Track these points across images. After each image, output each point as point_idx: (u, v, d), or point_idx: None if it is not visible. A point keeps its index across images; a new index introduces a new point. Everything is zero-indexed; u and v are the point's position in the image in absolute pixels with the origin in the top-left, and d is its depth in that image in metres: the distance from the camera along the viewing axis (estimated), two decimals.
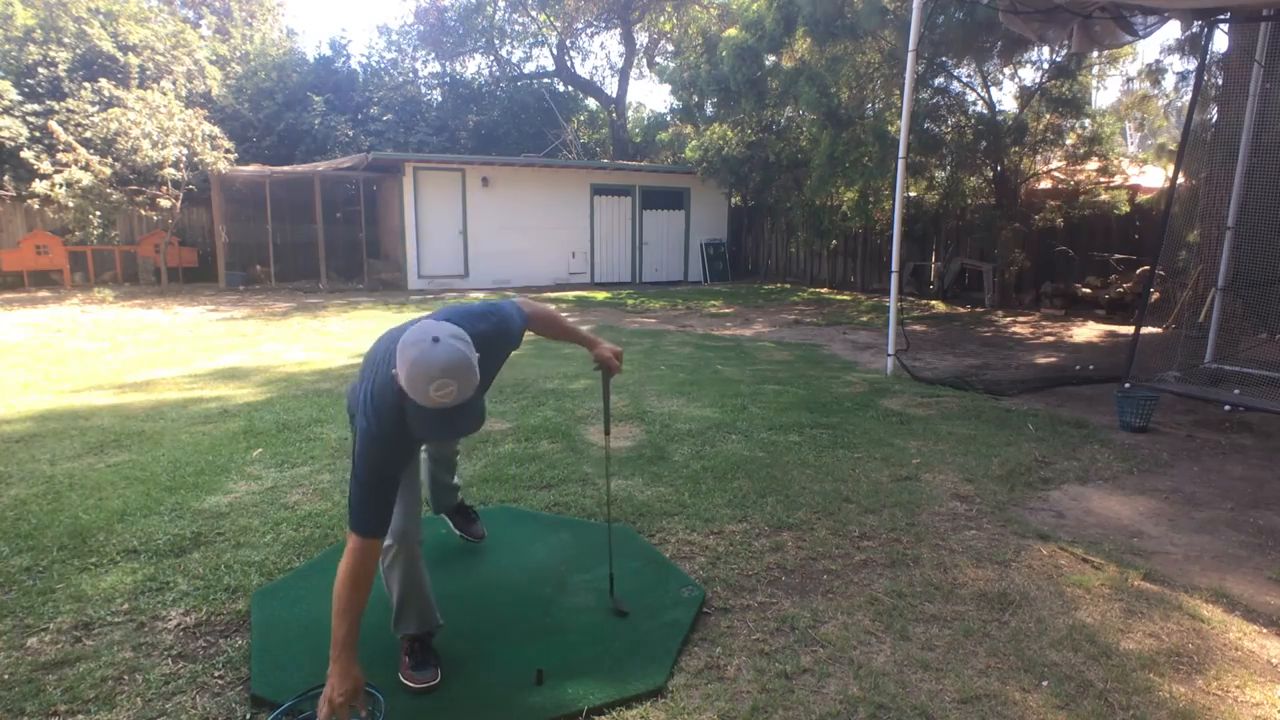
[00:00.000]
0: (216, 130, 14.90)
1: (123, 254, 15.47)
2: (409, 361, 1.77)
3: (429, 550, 3.08)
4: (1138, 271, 11.10)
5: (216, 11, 23.62)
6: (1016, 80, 13.24)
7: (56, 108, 15.30)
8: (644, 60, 24.19)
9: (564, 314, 11.63)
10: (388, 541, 2.15)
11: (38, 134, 15.11)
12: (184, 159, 14.01)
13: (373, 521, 1.90)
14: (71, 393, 5.83)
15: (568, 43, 24.00)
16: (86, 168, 13.52)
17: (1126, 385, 5.68)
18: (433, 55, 23.79)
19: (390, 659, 2.35)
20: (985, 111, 12.66)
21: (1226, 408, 5.43)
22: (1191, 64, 10.20)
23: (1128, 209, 11.76)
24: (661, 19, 22.16)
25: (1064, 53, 10.98)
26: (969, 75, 12.66)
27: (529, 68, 24.59)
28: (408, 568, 2.21)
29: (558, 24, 22.79)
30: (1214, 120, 8.25)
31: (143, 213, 14.60)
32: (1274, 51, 6.16)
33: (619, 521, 3.44)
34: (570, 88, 24.47)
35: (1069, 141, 12.48)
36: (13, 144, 14.87)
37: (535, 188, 15.98)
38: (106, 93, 15.36)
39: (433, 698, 2.18)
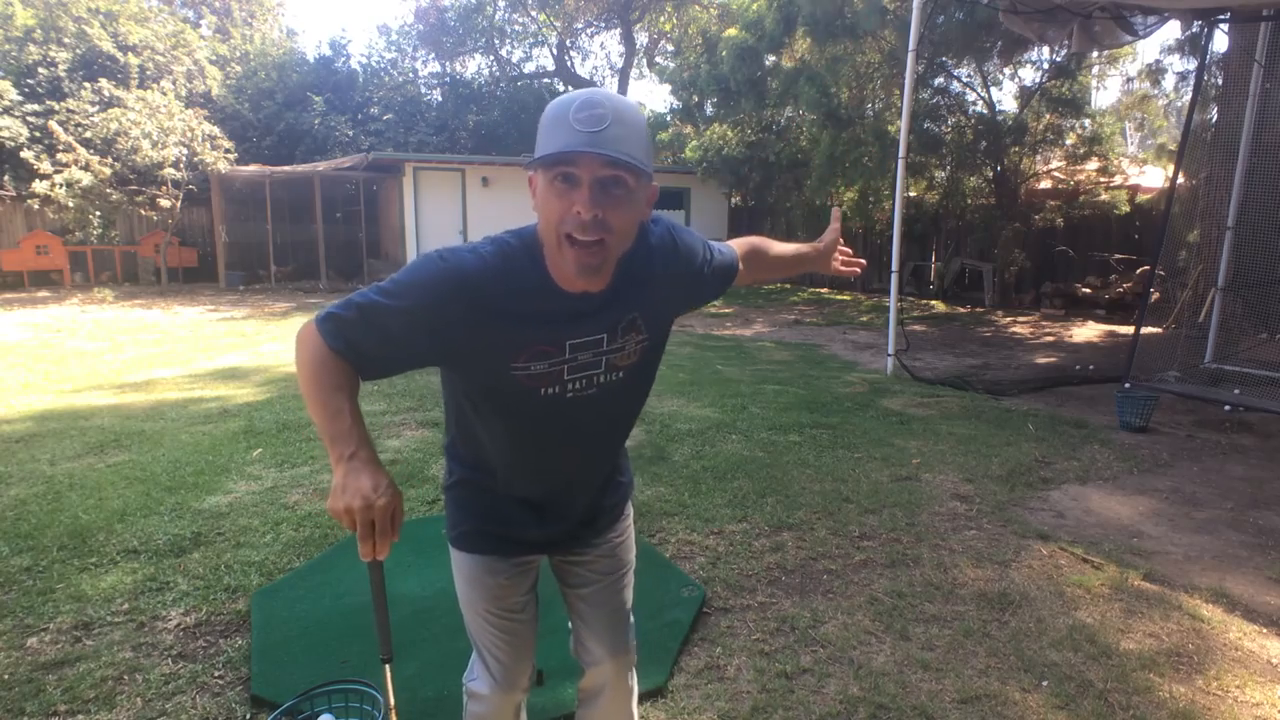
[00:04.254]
0: (216, 130, 14.90)
1: (123, 254, 15.47)
2: (544, 114, 1.19)
3: (428, 548, 3.09)
4: (1138, 271, 11.10)
5: (216, 11, 23.63)
6: (1016, 80, 13.27)
7: (56, 108, 15.30)
8: (644, 60, 24.20)
9: None
10: (483, 689, 1.56)
11: (38, 134, 15.11)
12: (184, 159, 14.00)
13: (342, 335, 1.22)
14: (71, 393, 5.83)
15: (568, 43, 24.02)
16: (86, 168, 13.52)
17: (1126, 385, 5.68)
18: (433, 55, 23.79)
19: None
20: (985, 111, 12.67)
21: (1226, 408, 5.43)
22: (1191, 64, 10.20)
23: (1128, 209, 11.77)
24: (661, 19, 22.16)
25: (1064, 53, 10.98)
26: (969, 75, 12.66)
27: (529, 68, 24.62)
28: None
29: (558, 24, 22.80)
30: (1214, 120, 8.25)
31: (143, 213, 14.60)
32: (1274, 51, 6.17)
33: None
34: (570, 88, 24.47)
35: (1069, 141, 12.49)
36: (13, 144, 14.88)
37: None
38: (106, 93, 15.36)
39: (433, 698, 2.18)
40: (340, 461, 1.17)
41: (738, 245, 1.64)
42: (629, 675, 1.60)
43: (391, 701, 1.49)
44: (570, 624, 1.60)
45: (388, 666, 1.44)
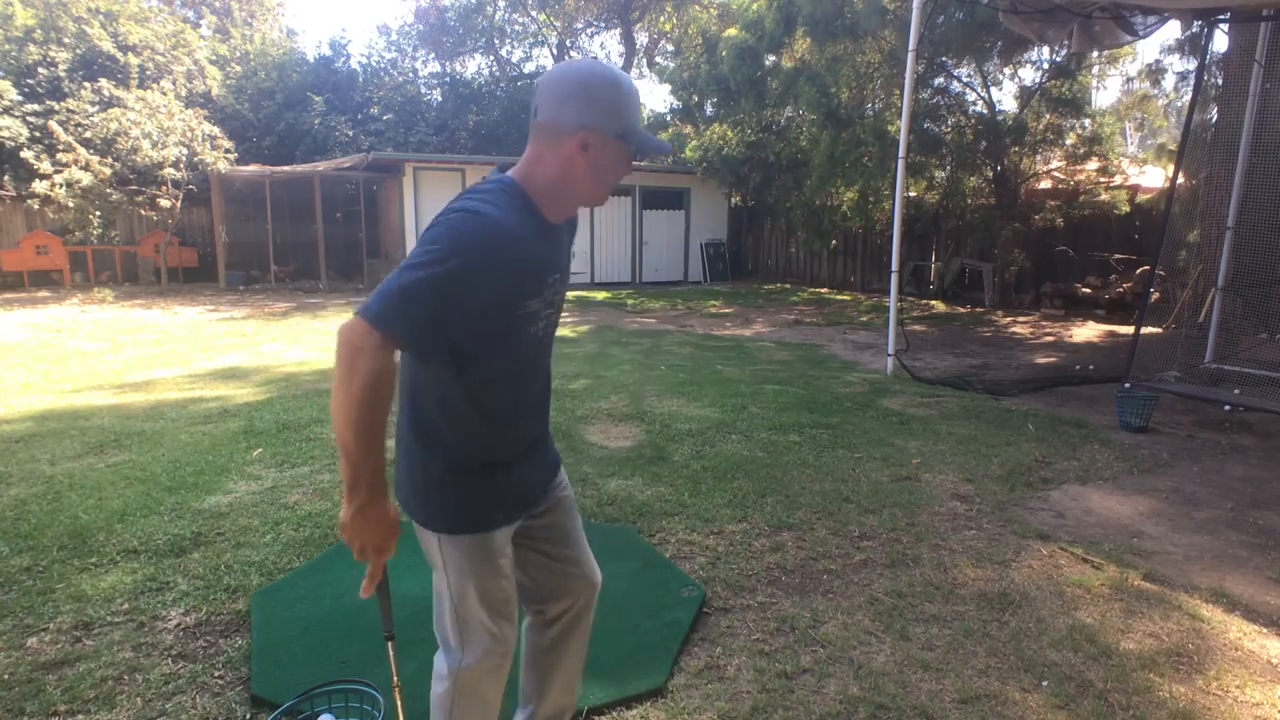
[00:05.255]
0: (216, 130, 14.89)
1: (123, 254, 15.47)
2: (609, 80, 1.34)
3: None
4: (1138, 271, 11.10)
5: (216, 11, 23.62)
6: (1016, 80, 13.29)
7: (56, 108, 15.30)
8: (644, 60, 24.19)
9: (564, 314, 11.62)
10: (495, 653, 1.55)
11: (38, 134, 15.11)
12: (184, 159, 14.00)
13: (403, 320, 1.21)
14: (71, 393, 5.83)
15: (568, 43, 24.01)
16: (86, 168, 13.52)
17: (1126, 385, 5.68)
18: (433, 55, 23.80)
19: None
20: (985, 111, 12.67)
21: (1226, 408, 5.43)
22: (1191, 64, 10.20)
23: (1128, 209, 11.76)
24: (661, 19, 22.17)
25: (1064, 53, 10.98)
26: (969, 75, 12.66)
27: (529, 68, 24.59)
28: (496, 688, 1.60)
29: (558, 24, 22.81)
30: (1214, 120, 8.25)
31: (143, 213, 14.61)
32: (1274, 51, 6.16)
33: (619, 522, 3.43)
34: None
35: (1069, 141, 12.49)
36: (13, 144, 14.87)
37: None
38: (106, 93, 15.36)
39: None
40: (355, 499, 1.25)
41: None
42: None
43: (396, 679, 1.58)
44: (538, 579, 1.69)
45: (390, 644, 1.55)
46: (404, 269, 1.23)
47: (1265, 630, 2.57)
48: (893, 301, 6.85)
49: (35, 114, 15.47)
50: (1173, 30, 11.53)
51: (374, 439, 1.21)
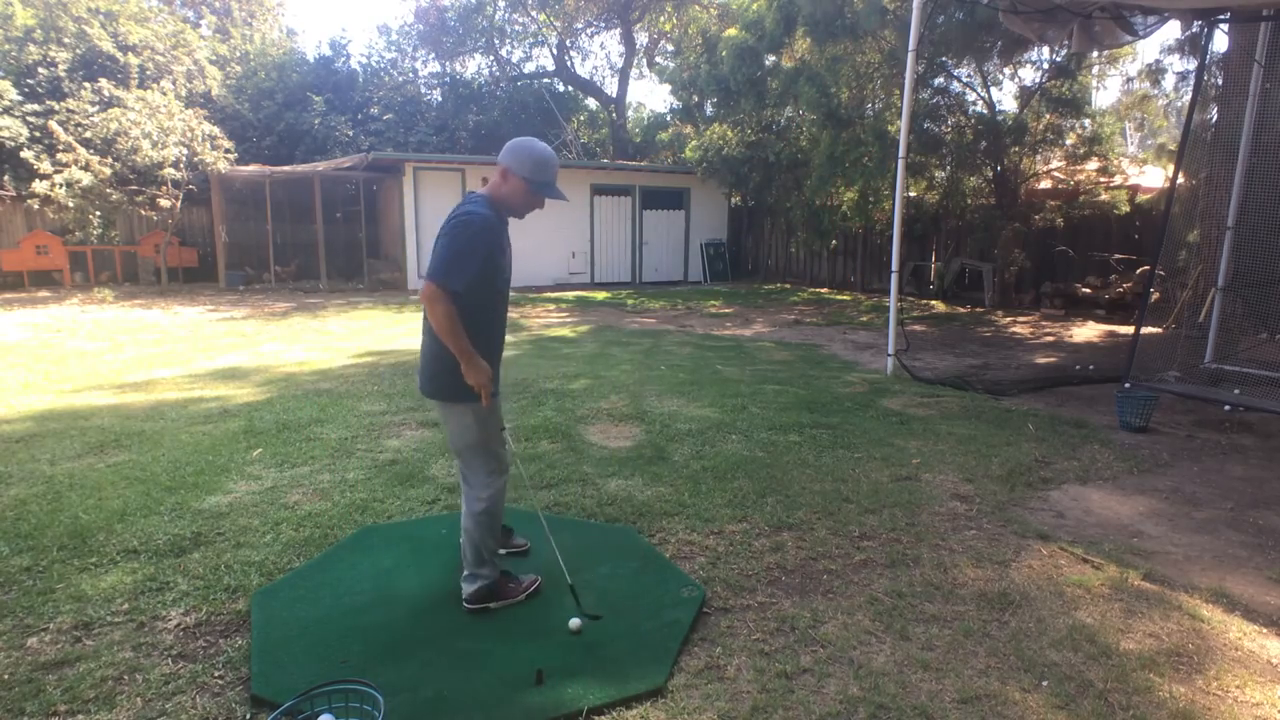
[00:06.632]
0: (216, 130, 14.88)
1: (123, 254, 15.47)
2: (535, 150, 2.50)
3: (427, 548, 3.09)
4: (1138, 271, 11.10)
5: (216, 11, 23.62)
6: (1016, 80, 13.25)
7: (56, 108, 15.29)
8: (644, 60, 24.18)
9: (564, 314, 11.63)
10: (500, 479, 2.67)
11: (38, 134, 15.09)
12: (184, 159, 14.00)
13: (452, 279, 2.35)
14: (71, 393, 5.83)
15: (568, 43, 23.99)
16: (86, 168, 13.51)
17: (1126, 385, 5.68)
18: (433, 55, 23.77)
19: (391, 656, 2.35)
20: (985, 111, 12.66)
21: (1226, 408, 5.43)
22: (1191, 64, 10.20)
23: (1128, 209, 11.75)
24: (661, 19, 22.15)
25: (1064, 53, 10.98)
26: (969, 75, 12.66)
27: (529, 68, 24.58)
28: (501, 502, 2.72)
29: (558, 24, 22.78)
30: (1214, 120, 8.25)
31: (143, 213, 14.60)
32: (1274, 51, 6.16)
33: (619, 522, 3.44)
34: (570, 88, 24.45)
35: (1069, 141, 12.48)
36: (13, 144, 14.86)
37: None
38: (106, 93, 15.35)
39: (433, 698, 2.18)
40: (465, 357, 2.42)
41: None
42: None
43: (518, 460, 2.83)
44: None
45: (506, 431, 2.73)
46: (448, 256, 2.37)
47: (1265, 630, 2.57)
48: (893, 301, 6.85)
49: (35, 114, 15.46)
50: (1173, 30, 11.54)
51: (460, 338, 2.38)
